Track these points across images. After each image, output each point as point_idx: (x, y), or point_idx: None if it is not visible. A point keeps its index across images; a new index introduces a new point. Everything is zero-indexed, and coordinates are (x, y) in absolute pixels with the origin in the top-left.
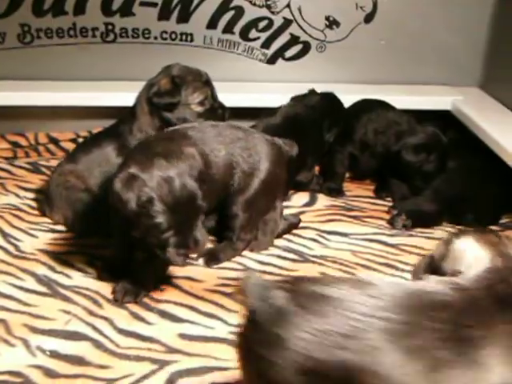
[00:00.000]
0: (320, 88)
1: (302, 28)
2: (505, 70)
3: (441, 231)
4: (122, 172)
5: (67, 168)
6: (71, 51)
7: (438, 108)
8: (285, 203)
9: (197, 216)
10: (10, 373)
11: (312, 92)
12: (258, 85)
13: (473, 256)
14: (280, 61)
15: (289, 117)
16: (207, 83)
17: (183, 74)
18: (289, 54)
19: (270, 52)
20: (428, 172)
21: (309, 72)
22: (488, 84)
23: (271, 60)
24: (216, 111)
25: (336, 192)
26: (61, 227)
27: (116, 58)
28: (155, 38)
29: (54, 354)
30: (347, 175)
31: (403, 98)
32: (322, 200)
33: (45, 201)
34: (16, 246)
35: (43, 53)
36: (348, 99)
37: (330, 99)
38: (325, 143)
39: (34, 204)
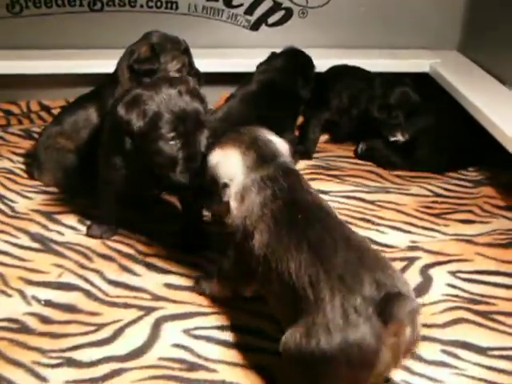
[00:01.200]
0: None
1: None
2: (481, 33)
3: (417, 187)
4: (125, 96)
5: (54, 130)
6: (60, 20)
7: (416, 71)
8: None
9: (201, 130)
10: (9, 320)
11: (274, 55)
12: (242, 51)
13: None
14: (263, 27)
15: (263, 82)
16: (185, 51)
17: (162, 41)
18: (272, 20)
19: (253, 18)
20: (395, 125)
21: (291, 37)
22: (466, 47)
23: (254, 26)
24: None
25: (306, 156)
26: (53, 189)
27: (103, 26)
28: (141, 6)
29: (48, 303)
30: (328, 138)
31: (383, 62)
32: (306, 161)
33: (34, 164)
34: (11, 207)
35: (32, 22)
36: (329, 63)
37: (296, 55)
38: (301, 101)
39: (27, 168)
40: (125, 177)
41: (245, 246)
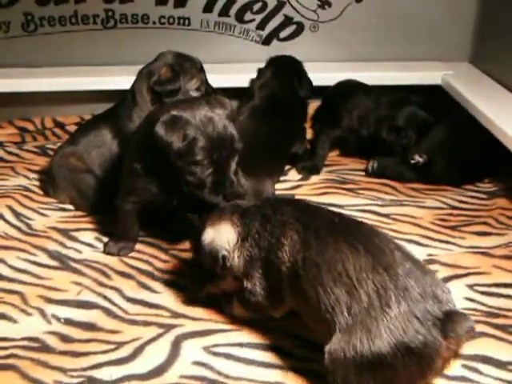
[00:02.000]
0: (314, 67)
1: (295, 9)
2: (494, 44)
3: (432, 200)
4: (163, 115)
5: (68, 150)
6: (73, 38)
7: (428, 83)
8: (281, 178)
9: (233, 157)
10: (29, 339)
11: (262, 70)
12: (254, 65)
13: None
14: (275, 41)
15: (266, 96)
16: (201, 69)
17: (180, 61)
18: (283, 34)
19: (264, 33)
20: (406, 145)
21: (303, 51)
22: (478, 59)
23: (266, 41)
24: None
25: (315, 171)
26: (69, 206)
27: (117, 43)
28: (154, 22)
29: (68, 322)
30: (338, 153)
31: (395, 74)
32: (318, 175)
33: (48, 182)
34: (28, 225)
35: (47, 40)
36: (341, 77)
37: (280, 61)
38: (306, 106)
39: (42, 185)
40: (147, 187)
41: (270, 273)
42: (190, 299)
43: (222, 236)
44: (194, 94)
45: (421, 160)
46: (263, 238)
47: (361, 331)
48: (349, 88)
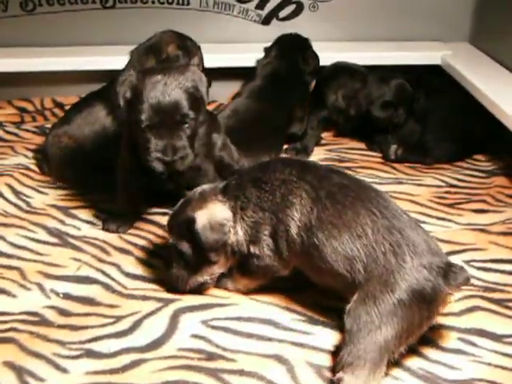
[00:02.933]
0: (313, 46)
1: None
2: (493, 24)
3: (430, 178)
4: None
5: (60, 129)
6: (72, 17)
7: (427, 63)
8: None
9: (179, 126)
10: (28, 313)
11: (268, 48)
12: (253, 45)
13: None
14: (274, 21)
15: (267, 75)
16: (199, 48)
17: (183, 40)
18: (282, 14)
19: (264, 13)
20: (399, 122)
21: (302, 31)
22: (477, 39)
23: (265, 20)
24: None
25: (304, 154)
26: (67, 184)
27: (115, 23)
28: (153, 2)
29: (67, 296)
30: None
31: (394, 54)
32: (318, 153)
33: (43, 161)
34: (27, 203)
35: (45, 20)
36: (340, 56)
37: (289, 39)
38: (307, 87)
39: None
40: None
41: (278, 232)
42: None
43: (217, 215)
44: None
45: (392, 157)
46: (265, 199)
47: (378, 283)
48: (335, 69)
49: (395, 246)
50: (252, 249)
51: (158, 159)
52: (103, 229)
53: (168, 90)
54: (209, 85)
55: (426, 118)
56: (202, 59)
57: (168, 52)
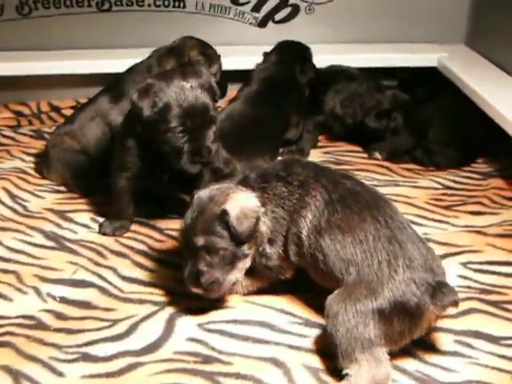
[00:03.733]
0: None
1: None
2: (489, 26)
3: (426, 180)
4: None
5: (64, 129)
6: (68, 21)
7: (423, 65)
8: None
9: (209, 126)
10: (24, 317)
11: (267, 53)
12: (249, 48)
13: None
14: (270, 24)
15: (264, 80)
16: (220, 57)
17: (205, 47)
18: (279, 16)
19: (260, 15)
20: (394, 129)
21: (298, 34)
22: (474, 40)
23: (262, 23)
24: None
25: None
26: (64, 188)
27: (112, 26)
28: (149, 5)
29: (63, 300)
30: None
31: (390, 56)
32: (314, 155)
33: (43, 162)
34: (24, 207)
35: (41, 23)
36: (336, 59)
37: (289, 47)
38: (303, 94)
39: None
40: (138, 161)
41: (292, 233)
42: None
43: (247, 203)
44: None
45: (379, 158)
46: (286, 197)
47: (365, 288)
48: (331, 74)
49: (392, 256)
50: (267, 247)
51: (193, 161)
52: (100, 232)
53: (195, 93)
54: (226, 87)
55: (426, 124)
56: (220, 68)
57: (190, 56)
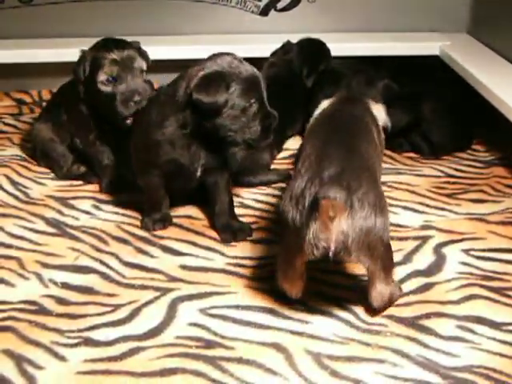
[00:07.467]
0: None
1: None
2: (492, 15)
3: (428, 168)
4: (193, 81)
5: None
6: (70, 8)
7: (426, 53)
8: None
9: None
10: (26, 302)
11: (288, 43)
12: (251, 36)
13: None
14: (272, 12)
15: (270, 77)
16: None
17: None
18: (281, 5)
19: (262, 4)
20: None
21: (301, 22)
22: (476, 29)
23: (264, 12)
24: None
25: None
26: None
27: (114, 13)
28: None
29: (65, 286)
30: None
31: (393, 45)
32: None
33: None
34: (25, 193)
35: (43, 11)
36: (339, 48)
37: (306, 46)
38: (306, 90)
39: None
40: (172, 157)
41: None
42: (187, 264)
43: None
44: None
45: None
46: None
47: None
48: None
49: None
50: None
51: (267, 130)
52: (141, 228)
53: (244, 64)
54: None
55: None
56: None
57: None
